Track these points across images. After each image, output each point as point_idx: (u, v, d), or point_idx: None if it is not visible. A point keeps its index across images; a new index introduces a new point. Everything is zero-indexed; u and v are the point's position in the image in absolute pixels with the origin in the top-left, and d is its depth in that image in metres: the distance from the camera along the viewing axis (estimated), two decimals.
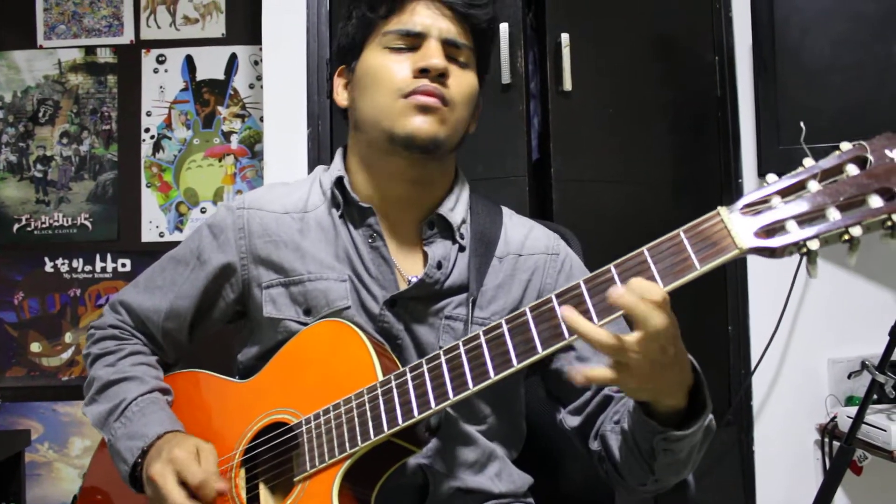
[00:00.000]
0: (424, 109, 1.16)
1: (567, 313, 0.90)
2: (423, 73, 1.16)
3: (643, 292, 0.87)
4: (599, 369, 0.93)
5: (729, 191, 2.34)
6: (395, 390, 1.04)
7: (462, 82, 1.21)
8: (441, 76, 1.17)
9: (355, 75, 1.24)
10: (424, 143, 1.17)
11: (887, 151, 0.80)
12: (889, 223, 0.78)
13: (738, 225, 0.84)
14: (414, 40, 1.19)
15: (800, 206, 0.81)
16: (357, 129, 1.25)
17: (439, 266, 1.21)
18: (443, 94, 1.17)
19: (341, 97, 1.29)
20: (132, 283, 1.35)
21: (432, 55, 1.17)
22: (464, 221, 1.26)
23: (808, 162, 0.83)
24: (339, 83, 1.30)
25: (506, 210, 1.34)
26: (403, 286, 1.21)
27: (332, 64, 1.33)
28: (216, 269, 1.26)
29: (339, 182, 1.24)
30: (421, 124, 1.16)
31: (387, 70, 1.19)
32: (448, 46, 1.20)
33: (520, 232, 1.30)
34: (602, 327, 0.91)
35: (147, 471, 1.11)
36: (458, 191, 1.27)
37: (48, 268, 2.85)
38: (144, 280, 1.33)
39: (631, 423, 1.07)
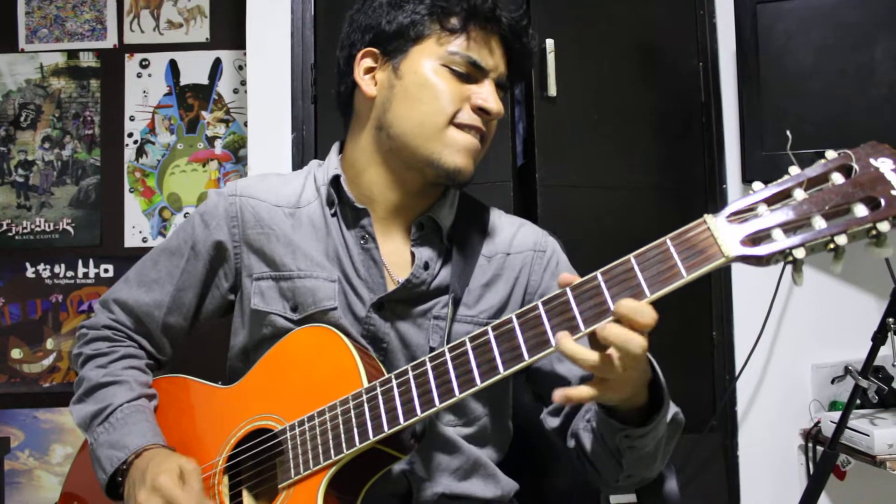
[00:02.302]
0: (473, 148, 1.18)
1: (560, 337, 0.91)
2: (480, 110, 1.17)
3: (636, 314, 0.88)
4: (580, 389, 0.94)
5: (713, 196, 2.35)
6: (380, 397, 1.03)
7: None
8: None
9: (399, 74, 1.20)
10: (464, 181, 1.20)
11: (872, 160, 0.81)
12: (874, 232, 0.78)
13: (724, 233, 0.84)
14: (475, 71, 1.18)
15: (786, 214, 0.81)
16: (381, 129, 1.21)
17: (426, 266, 1.21)
18: (486, 136, 1.21)
19: (367, 84, 1.23)
20: (122, 280, 1.32)
21: (494, 99, 1.18)
22: (453, 223, 1.26)
23: (794, 170, 0.83)
24: (363, 65, 1.24)
25: (493, 209, 1.34)
26: (392, 288, 1.20)
27: (354, 41, 1.26)
28: (210, 251, 1.26)
29: (335, 180, 1.23)
30: (467, 164, 1.18)
31: (445, 94, 1.17)
32: (497, 88, 1.21)
33: (508, 231, 1.30)
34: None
35: (134, 498, 1.09)
36: (451, 195, 1.27)
37: (29, 273, 2.82)
38: (136, 276, 1.31)
39: (597, 423, 1.10)
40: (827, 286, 2.27)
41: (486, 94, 1.17)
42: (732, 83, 2.34)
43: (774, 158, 2.16)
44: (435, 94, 1.17)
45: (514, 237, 1.29)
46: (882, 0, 2.14)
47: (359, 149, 1.24)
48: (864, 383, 1.93)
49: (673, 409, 1.11)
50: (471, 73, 1.18)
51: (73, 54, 2.86)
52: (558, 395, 0.93)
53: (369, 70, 1.23)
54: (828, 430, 2.11)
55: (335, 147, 1.29)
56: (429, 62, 1.18)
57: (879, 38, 2.12)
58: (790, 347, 2.33)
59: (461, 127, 1.17)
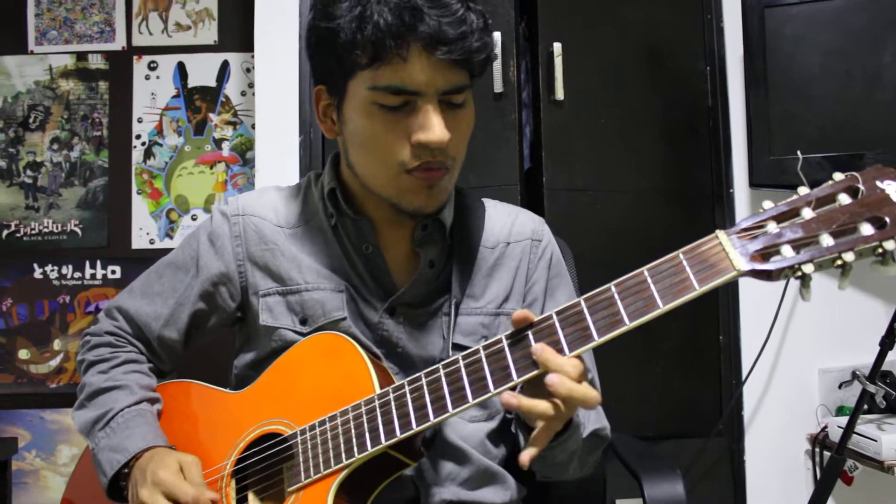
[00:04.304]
0: (431, 186, 1.11)
1: (506, 397, 0.95)
2: (422, 146, 1.07)
3: (565, 370, 0.92)
4: (531, 448, 0.97)
5: (720, 201, 2.35)
6: (392, 403, 1.04)
7: (461, 131, 1.12)
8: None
9: (344, 119, 1.14)
10: (432, 213, 1.16)
11: (878, 182, 0.83)
12: (880, 250, 0.80)
13: (735, 248, 0.86)
14: (408, 96, 1.06)
15: (794, 231, 0.83)
16: (350, 167, 1.19)
17: (431, 265, 1.21)
18: (446, 164, 1.10)
19: (326, 128, 1.20)
20: (127, 290, 1.33)
21: (432, 127, 1.06)
22: (453, 221, 1.25)
23: (803, 190, 0.85)
24: (321, 104, 1.19)
25: (488, 201, 1.34)
26: (399, 291, 1.21)
27: (312, 76, 1.22)
28: (214, 276, 1.26)
29: (331, 194, 1.23)
30: (429, 200, 1.12)
31: (382, 142, 1.08)
32: (446, 94, 1.08)
33: (506, 220, 1.30)
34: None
35: (137, 498, 1.10)
36: (450, 195, 1.26)
37: (37, 274, 2.83)
38: (141, 286, 1.32)
39: (513, 427, 1.16)
40: (834, 291, 2.25)
41: (425, 123, 1.06)
42: (740, 87, 2.34)
43: (782, 163, 2.16)
44: (374, 144, 1.10)
45: (512, 226, 1.29)
46: (890, 4, 2.13)
47: (345, 172, 1.23)
48: (871, 388, 1.93)
49: (596, 424, 1.17)
50: (407, 101, 1.06)
51: (81, 56, 2.86)
52: (525, 458, 0.96)
53: (326, 108, 1.18)
54: (835, 435, 2.11)
55: (330, 161, 1.27)
56: (360, 105, 1.09)
57: (887, 42, 2.11)
58: (797, 352, 2.33)
59: (412, 171, 1.09)
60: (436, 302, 1.22)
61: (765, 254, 0.84)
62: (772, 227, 0.84)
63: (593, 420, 1.18)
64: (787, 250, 0.83)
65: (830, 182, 0.85)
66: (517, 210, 1.34)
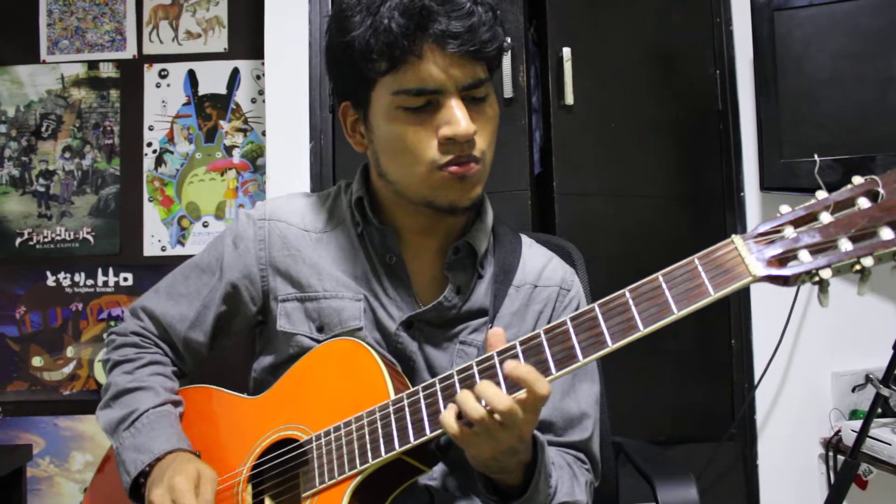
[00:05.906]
0: (463, 178, 1.11)
1: (481, 386, 0.96)
2: (450, 140, 1.09)
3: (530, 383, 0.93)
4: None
5: (731, 204, 2.34)
6: (406, 409, 1.04)
7: (488, 124, 1.14)
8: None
9: (371, 128, 1.16)
10: (467, 208, 1.16)
11: None
12: None
13: (751, 253, 0.86)
14: (431, 95, 1.08)
15: (812, 236, 0.83)
16: (382, 176, 1.19)
17: (458, 291, 1.21)
18: (476, 156, 1.11)
19: (356, 142, 1.22)
20: (153, 290, 1.34)
21: (457, 120, 1.07)
22: (487, 249, 1.25)
23: (821, 194, 0.84)
24: (347, 120, 1.22)
25: (525, 238, 1.34)
26: (421, 307, 1.21)
27: (333, 93, 1.25)
28: (237, 279, 1.27)
29: (359, 202, 1.24)
30: (463, 193, 1.12)
31: (411, 142, 1.10)
32: (466, 90, 1.10)
33: (539, 262, 1.30)
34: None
35: (149, 496, 1.11)
36: (486, 218, 1.26)
37: (50, 282, 2.84)
38: (167, 287, 1.33)
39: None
40: (847, 293, 2.25)
41: (450, 117, 1.08)
42: (749, 90, 2.34)
43: (793, 166, 2.16)
44: (403, 146, 1.11)
45: (543, 269, 1.29)
46: None
47: (375, 182, 1.24)
48: (885, 392, 1.92)
49: (568, 497, 1.15)
50: (430, 100, 1.09)
51: (93, 65, 2.88)
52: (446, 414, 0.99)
53: (354, 123, 1.21)
54: (849, 438, 2.10)
55: (360, 170, 1.28)
56: (386, 112, 1.12)
57: None
58: (810, 355, 2.32)
59: (444, 167, 1.10)
60: (455, 327, 1.22)
61: (782, 259, 0.83)
62: (789, 231, 0.84)
63: (566, 492, 1.15)
64: (804, 255, 0.82)
65: (849, 186, 0.83)
66: (550, 255, 1.34)
